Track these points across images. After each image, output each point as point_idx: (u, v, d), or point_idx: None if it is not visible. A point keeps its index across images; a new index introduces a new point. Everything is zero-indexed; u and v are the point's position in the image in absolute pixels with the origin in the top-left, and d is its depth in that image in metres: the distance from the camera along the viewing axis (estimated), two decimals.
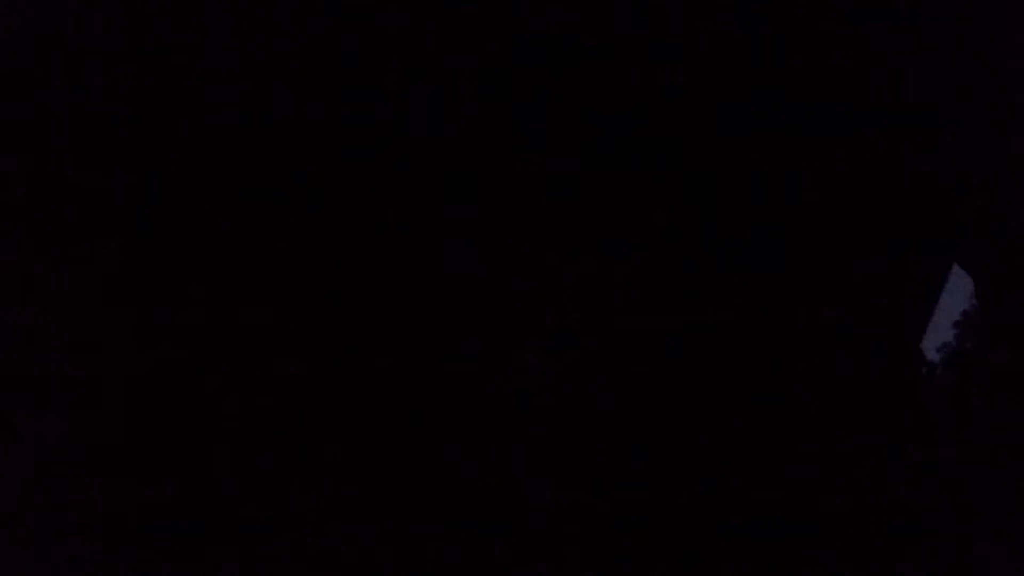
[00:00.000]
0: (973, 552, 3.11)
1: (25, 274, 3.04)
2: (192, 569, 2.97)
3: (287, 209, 3.09)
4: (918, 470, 3.17)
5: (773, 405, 3.13)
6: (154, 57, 3.09)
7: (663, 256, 3.12)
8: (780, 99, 3.16)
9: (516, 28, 3.09)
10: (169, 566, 2.97)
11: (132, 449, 3.01)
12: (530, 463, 3.05)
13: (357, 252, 3.09)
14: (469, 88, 3.11)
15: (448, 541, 3.02)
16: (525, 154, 3.12)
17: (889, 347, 3.19)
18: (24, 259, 3.04)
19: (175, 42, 3.08)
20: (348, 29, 3.09)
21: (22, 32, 3.06)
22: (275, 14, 3.08)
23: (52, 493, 2.99)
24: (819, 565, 3.05)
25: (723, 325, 3.15)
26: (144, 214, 3.06)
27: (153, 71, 3.07)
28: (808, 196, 3.20)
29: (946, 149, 3.17)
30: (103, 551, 2.97)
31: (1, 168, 3.07)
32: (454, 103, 3.11)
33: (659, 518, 3.05)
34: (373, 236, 3.09)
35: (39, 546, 2.97)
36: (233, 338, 3.05)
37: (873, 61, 3.20)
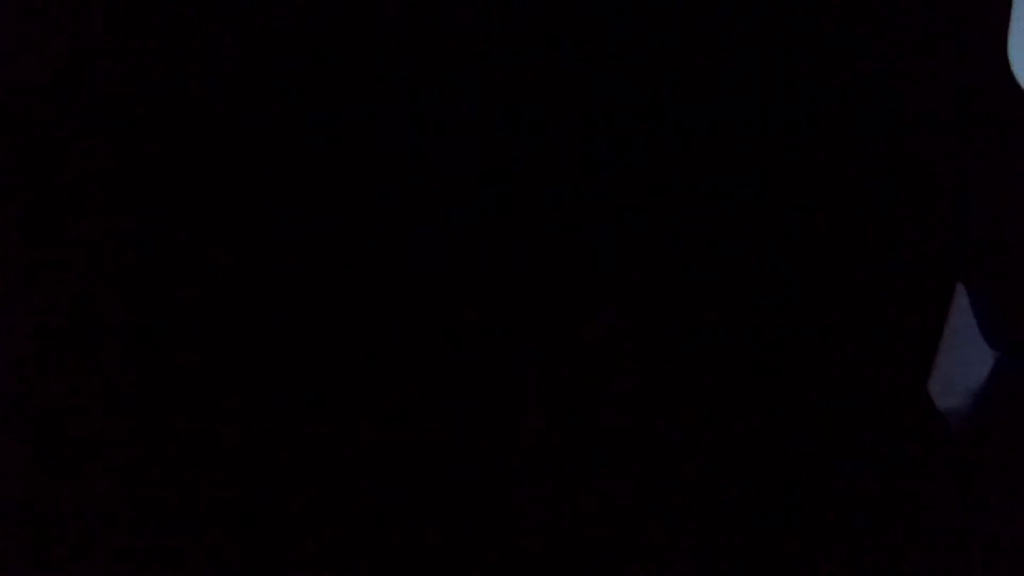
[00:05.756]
0: (973, 552, 3.12)
1: (25, 272, 3.04)
2: (191, 569, 2.98)
3: (285, 211, 3.09)
4: (919, 473, 3.18)
5: (776, 413, 3.14)
6: (150, 55, 3.09)
7: (664, 259, 3.13)
8: (782, 100, 3.17)
9: (515, 28, 3.10)
10: (168, 566, 2.97)
11: (130, 448, 3.02)
12: (530, 469, 3.06)
13: (355, 254, 3.09)
14: (468, 88, 3.11)
15: (446, 543, 3.02)
16: (524, 154, 3.13)
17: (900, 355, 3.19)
18: (23, 257, 3.04)
19: (171, 39, 3.09)
20: (346, 28, 3.10)
21: (21, 31, 3.06)
22: (273, 12, 3.09)
23: (54, 490, 3.00)
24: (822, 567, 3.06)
25: (725, 330, 3.15)
26: (141, 213, 3.07)
27: (149, 69, 3.08)
28: (815, 206, 3.20)
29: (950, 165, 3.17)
30: (104, 551, 2.98)
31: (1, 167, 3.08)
32: (453, 103, 3.12)
33: (660, 521, 3.06)
34: (371, 237, 3.10)
35: (39, 546, 2.98)
36: (228, 344, 3.05)
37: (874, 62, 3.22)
